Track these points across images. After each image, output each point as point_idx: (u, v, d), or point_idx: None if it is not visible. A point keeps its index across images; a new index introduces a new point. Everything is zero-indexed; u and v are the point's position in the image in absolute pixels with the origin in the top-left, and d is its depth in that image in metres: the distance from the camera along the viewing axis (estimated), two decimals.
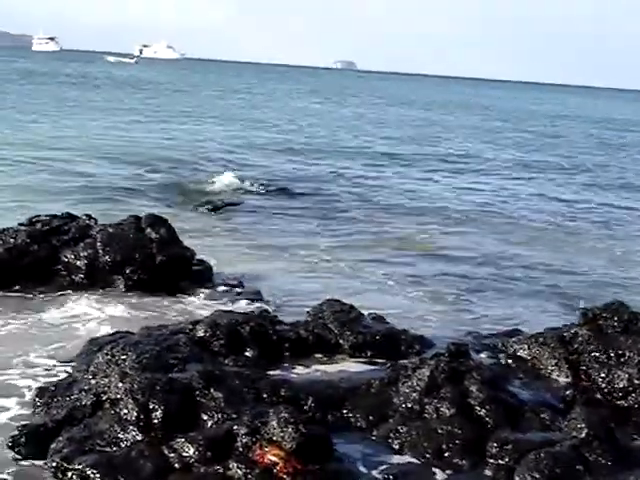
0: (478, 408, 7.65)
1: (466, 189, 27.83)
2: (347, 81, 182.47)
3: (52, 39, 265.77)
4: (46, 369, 8.75)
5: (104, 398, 7.52)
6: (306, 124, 50.27)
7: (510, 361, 9.23)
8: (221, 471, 6.53)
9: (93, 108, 49.54)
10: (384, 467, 6.96)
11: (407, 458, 7.14)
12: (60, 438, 6.97)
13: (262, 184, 24.19)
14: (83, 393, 7.71)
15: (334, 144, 38.81)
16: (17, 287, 11.60)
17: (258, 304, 11.43)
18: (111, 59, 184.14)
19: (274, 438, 6.56)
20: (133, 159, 28.04)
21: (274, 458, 6.46)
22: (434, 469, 6.98)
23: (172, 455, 6.69)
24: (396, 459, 7.14)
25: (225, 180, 23.79)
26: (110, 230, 12.41)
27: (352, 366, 9.01)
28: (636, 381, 8.42)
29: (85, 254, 12.08)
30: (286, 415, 6.69)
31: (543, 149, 46.29)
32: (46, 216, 13.01)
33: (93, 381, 7.85)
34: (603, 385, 8.54)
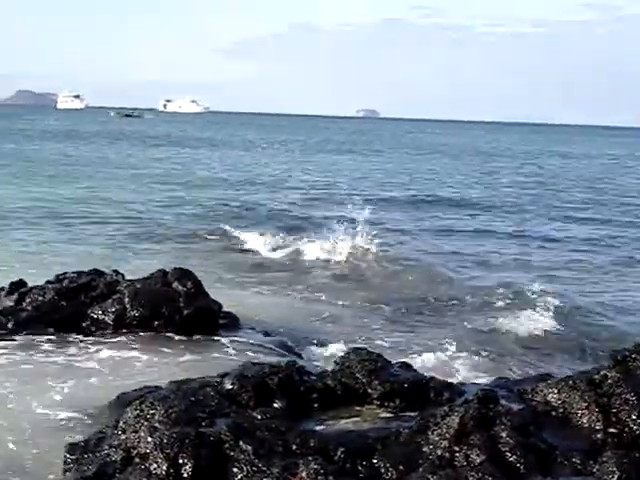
0: (509, 454, 7.57)
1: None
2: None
3: (77, 97, 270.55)
4: (74, 425, 8.78)
5: (134, 453, 7.56)
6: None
7: (540, 406, 9.13)
8: None
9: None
10: None
11: None
12: None
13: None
14: (113, 449, 7.76)
15: None
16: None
17: (285, 354, 11.44)
18: (112, 114, 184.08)
19: None
20: None
21: None
22: None
23: None
24: None
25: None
26: (137, 285, 12.54)
27: (381, 415, 8.94)
28: None
29: (113, 309, 12.20)
30: (316, 466, 6.69)
31: None
32: (73, 273, 13.18)
33: (123, 436, 7.88)
34: (634, 427, 8.42)
